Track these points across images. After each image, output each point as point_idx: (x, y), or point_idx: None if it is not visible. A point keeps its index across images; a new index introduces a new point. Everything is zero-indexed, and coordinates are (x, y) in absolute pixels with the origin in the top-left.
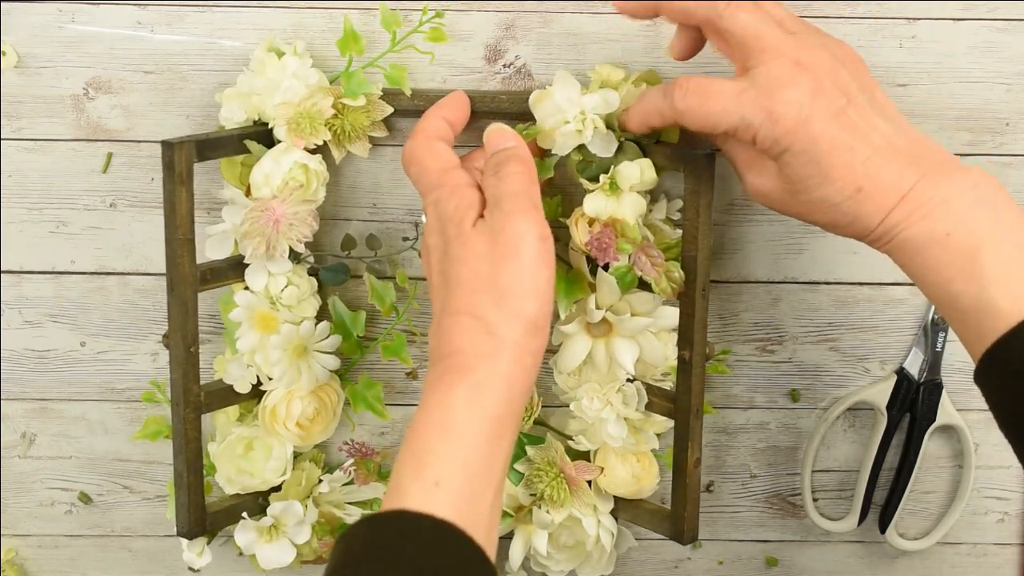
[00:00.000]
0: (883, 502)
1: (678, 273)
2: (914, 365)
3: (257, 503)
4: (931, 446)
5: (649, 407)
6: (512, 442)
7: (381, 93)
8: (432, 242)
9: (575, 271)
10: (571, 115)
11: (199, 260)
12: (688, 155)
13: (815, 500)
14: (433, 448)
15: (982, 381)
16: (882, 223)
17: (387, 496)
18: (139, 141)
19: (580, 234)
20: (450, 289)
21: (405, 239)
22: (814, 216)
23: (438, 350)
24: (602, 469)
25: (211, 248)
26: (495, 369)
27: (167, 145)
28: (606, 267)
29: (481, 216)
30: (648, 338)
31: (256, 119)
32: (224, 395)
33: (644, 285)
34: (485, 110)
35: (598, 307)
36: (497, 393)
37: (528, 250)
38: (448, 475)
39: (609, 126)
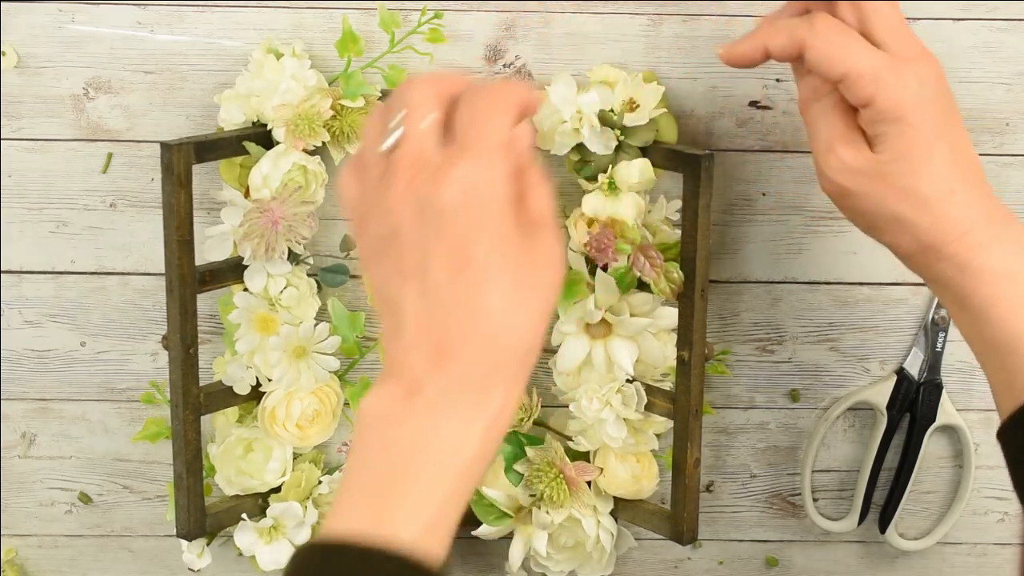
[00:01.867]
0: (883, 502)
1: (677, 274)
2: (914, 365)
3: (257, 504)
4: (931, 446)
5: (648, 407)
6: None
7: (380, 94)
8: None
9: (574, 272)
10: (568, 114)
11: (198, 261)
12: (687, 155)
13: (815, 500)
14: (433, 491)
15: (1013, 432)
16: (963, 236)
17: (368, 508)
18: (139, 141)
19: (579, 235)
20: (475, 274)
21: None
22: (894, 207)
23: (456, 346)
24: (602, 470)
25: (210, 249)
26: (513, 397)
27: (165, 147)
28: (605, 268)
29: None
30: (647, 338)
31: (255, 120)
32: (223, 396)
33: (643, 286)
34: None
35: (597, 307)
36: (507, 425)
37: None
38: (444, 521)
39: (606, 124)
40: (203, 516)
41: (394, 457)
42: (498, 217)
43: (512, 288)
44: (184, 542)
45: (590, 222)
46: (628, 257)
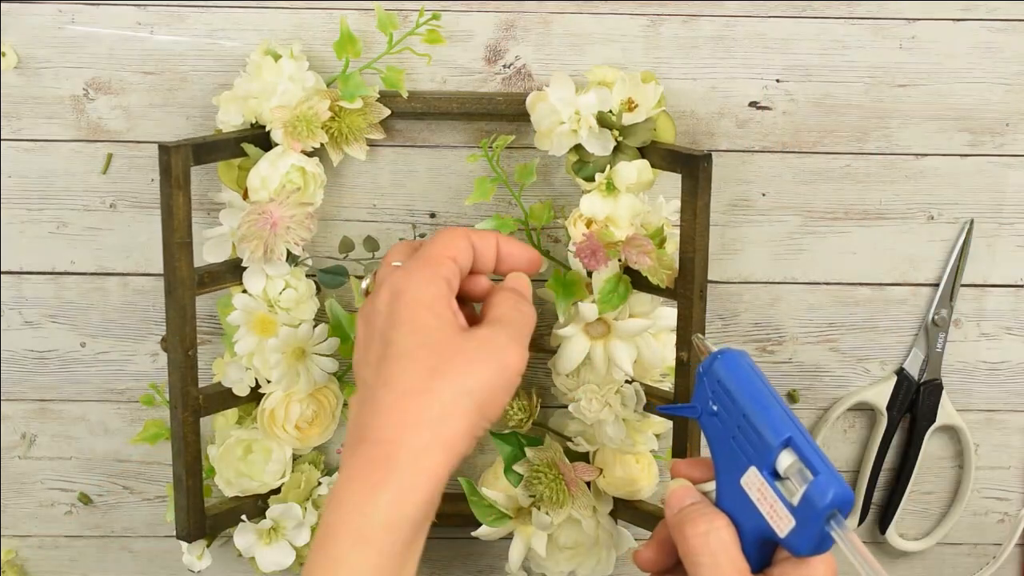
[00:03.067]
0: (883, 502)
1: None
2: (914, 365)
3: (256, 506)
4: (931, 446)
5: (648, 408)
6: (427, 531)
7: (378, 95)
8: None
9: (572, 273)
10: (566, 115)
11: (197, 263)
12: (685, 156)
13: None
14: (345, 557)
15: None
16: None
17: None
18: (139, 142)
19: (577, 235)
20: (390, 359)
21: (403, 240)
22: None
23: (366, 428)
24: (601, 470)
25: (209, 251)
26: (427, 466)
27: (164, 149)
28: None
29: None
30: (646, 339)
31: (253, 122)
32: (223, 398)
33: (640, 285)
34: (482, 112)
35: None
36: (424, 495)
37: (512, 353)
38: None
39: (604, 124)
40: (203, 517)
41: (319, 534)
42: (422, 312)
43: (427, 372)
44: (184, 543)
45: (589, 222)
46: (619, 256)
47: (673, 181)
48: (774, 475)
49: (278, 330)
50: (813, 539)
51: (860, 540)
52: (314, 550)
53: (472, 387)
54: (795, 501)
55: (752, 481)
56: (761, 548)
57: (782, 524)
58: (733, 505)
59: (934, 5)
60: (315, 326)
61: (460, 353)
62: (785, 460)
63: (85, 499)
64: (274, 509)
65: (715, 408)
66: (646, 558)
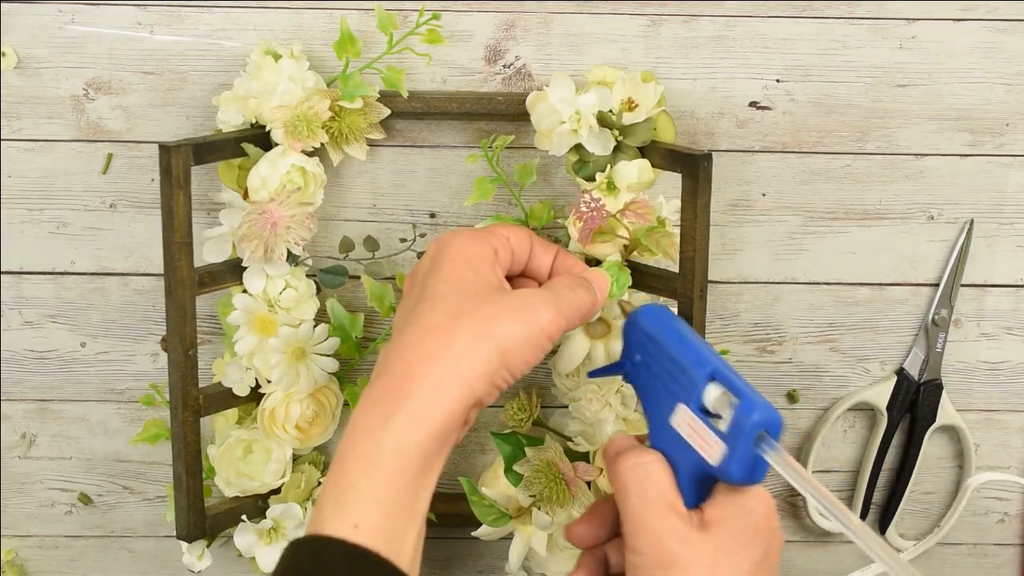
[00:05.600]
0: (883, 502)
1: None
2: (914, 365)
3: (256, 506)
4: (931, 446)
5: None
6: (439, 469)
7: (378, 95)
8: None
9: None
10: (566, 115)
11: (197, 263)
12: (685, 155)
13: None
14: (355, 483)
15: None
16: None
17: (310, 523)
18: (139, 142)
19: (577, 234)
20: (422, 301)
21: (403, 240)
22: None
23: (387, 362)
24: (601, 470)
25: (209, 251)
26: (440, 399)
27: (164, 149)
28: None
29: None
30: None
31: (253, 122)
32: (223, 398)
33: (640, 284)
34: (482, 111)
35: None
36: (434, 426)
37: (545, 313)
38: (368, 515)
39: (605, 124)
40: (203, 518)
41: (333, 461)
42: (462, 264)
43: (454, 313)
44: (184, 543)
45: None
46: (623, 253)
47: (673, 181)
48: (703, 412)
49: (278, 330)
50: (746, 462)
51: (793, 459)
52: (327, 477)
53: (496, 332)
54: (724, 428)
55: (682, 418)
56: (698, 486)
57: (713, 451)
58: (665, 446)
59: (934, 5)
60: (315, 326)
61: (491, 303)
62: (712, 392)
63: (85, 499)
64: (274, 509)
65: (640, 358)
66: (578, 532)
